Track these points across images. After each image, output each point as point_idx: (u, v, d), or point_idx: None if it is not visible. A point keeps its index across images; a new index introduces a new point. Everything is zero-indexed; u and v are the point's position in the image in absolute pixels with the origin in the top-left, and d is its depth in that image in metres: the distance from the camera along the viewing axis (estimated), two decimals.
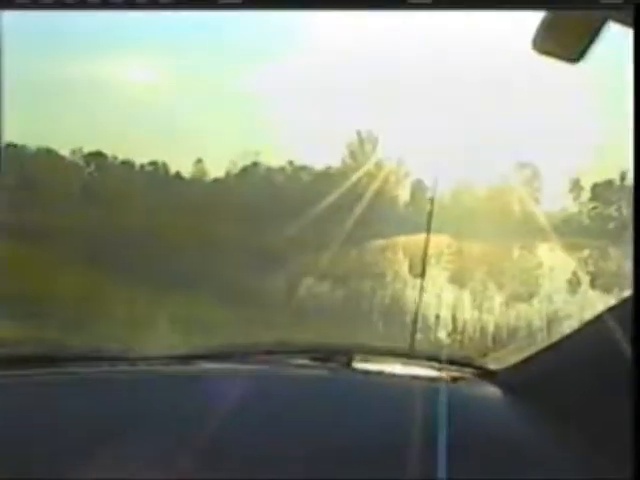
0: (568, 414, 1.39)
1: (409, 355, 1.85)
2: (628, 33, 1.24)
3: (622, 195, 18.88)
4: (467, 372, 1.64)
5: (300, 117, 14.90)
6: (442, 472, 1.35)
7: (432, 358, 1.76)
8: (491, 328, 7.74)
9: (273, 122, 14.43)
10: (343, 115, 15.28)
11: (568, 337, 1.48)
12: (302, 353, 1.70)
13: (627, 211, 18.51)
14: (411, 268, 11.80)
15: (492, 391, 1.53)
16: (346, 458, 1.44)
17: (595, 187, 18.38)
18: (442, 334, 7.40)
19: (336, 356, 1.73)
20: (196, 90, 13.32)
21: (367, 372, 1.74)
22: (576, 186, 17.76)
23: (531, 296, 10.28)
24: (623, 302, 1.36)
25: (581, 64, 1.34)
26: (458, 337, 7.25)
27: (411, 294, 9.40)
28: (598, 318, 1.44)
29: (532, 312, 8.80)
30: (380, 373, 1.74)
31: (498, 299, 9.45)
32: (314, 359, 1.69)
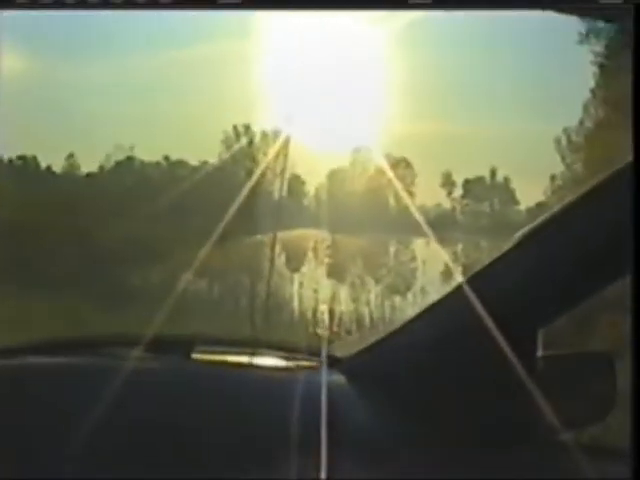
0: (413, 402, 1.40)
1: (255, 344, 1.80)
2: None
3: (493, 192, 19.83)
4: (315, 361, 1.60)
5: (176, 111, 14.76)
6: (294, 461, 1.35)
7: (279, 347, 1.71)
8: (367, 320, 8.06)
9: (148, 116, 14.21)
10: (220, 110, 15.27)
11: (408, 323, 1.51)
12: (136, 344, 1.57)
13: (498, 207, 19.49)
14: (288, 263, 12.07)
15: (337, 378, 1.49)
16: (181, 455, 1.39)
17: (466, 183, 19.24)
18: (320, 327, 7.67)
19: (175, 347, 1.67)
20: (67, 82, 12.94)
21: (208, 363, 1.67)
22: (448, 181, 18.58)
23: (406, 289, 10.71)
24: (457, 289, 1.45)
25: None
26: (335, 329, 7.50)
27: (289, 288, 9.66)
28: (435, 305, 1.49)
29: (406, 304, 9.21)
30: (222, 364, 1.65)
31: (374, 292, 9.79)
32: (151, 351, 1.60)
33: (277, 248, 6.51)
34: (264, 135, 15.17)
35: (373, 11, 1.33)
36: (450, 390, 1.40)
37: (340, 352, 1.62)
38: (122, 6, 1.27)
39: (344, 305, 8.89)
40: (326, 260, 11.61)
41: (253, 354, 1.69)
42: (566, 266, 1.36)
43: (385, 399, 1.42)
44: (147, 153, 15.18)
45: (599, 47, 10.27)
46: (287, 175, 12.54)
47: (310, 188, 18.43)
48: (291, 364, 1.63)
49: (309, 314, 8.44)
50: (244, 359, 1.68)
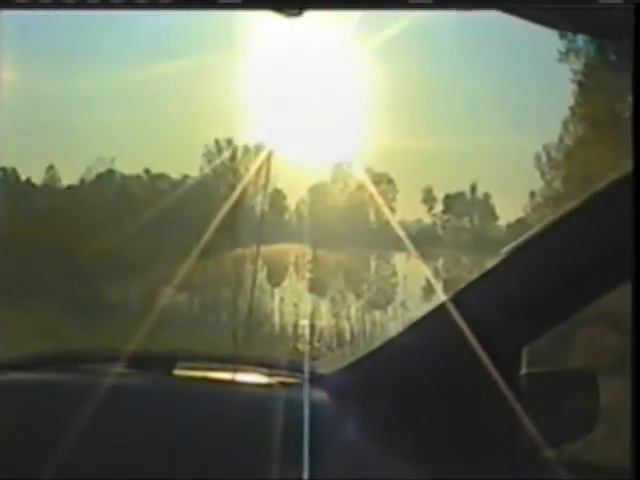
0: (396, 420, 1.38)
1: (236, 360, 1.78)
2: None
3: (473, 207, 19.92)
4: (297, 377, 1.59)
5: (157, 124, 14.74)
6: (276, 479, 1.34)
7: (260, 363, 1.70)
8: (347, 334, 8.05)
9: (129, 129, 14.17)
10: (202, 123, 15.27)
11: (392, 340, 1.49)
12: (117, 360, 1.57)
13: (479, 223, 19.58)
14: (269, 278, 12.05)
15: (320, 396, 1.48)
16: (162, 472, 1.39)
17: (447, 199, 19.34)
18: (300, 342, 7.66)
19: (156, 363, 1.66)
20: (48, 93, 12.88)
21: (189, 380, 1.65)
22: (429, 197, 18.66)
23: (387, 304, 10.72)
24: (441, 306, 1.45)
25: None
26: (316, 344, 7.49)
27: (270, 303, 9.64)
28: (419, 322, 1.47)
29: (387, 319, 9.21)
30: (204, 380, 1.64)
31: (355, 307, 9.79)
32: (132, 367, 1.59)
33: (259, 263, 6.51)
34: (246, 149, 15.21)
35: (373, 11, 1.35)
36: (434, 408, 1.39)
37: (323, 369, 1.61)
38: (122, 6, 1.28)
39: (325, 320, 8.88)
40: (307, 275, 11.61)
41: (235, 370, 1.67)
42: (551, 283, 1.35)
43: (368, 417, 1.41)
44: (128, 166, 15.15)
45: (578, 65, 10.39)
46: (269, 189, 12.59)
47: (291, 203, 18.52)
48: (273, 381, 1.61)
49: (290, 329, 8.43)
50: (226, 375, 1.66)
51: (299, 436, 1.35)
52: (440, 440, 1.37)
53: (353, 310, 9.56)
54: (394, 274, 13.15)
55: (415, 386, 1.41)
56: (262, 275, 10.63)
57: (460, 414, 1.38)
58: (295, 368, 1.63)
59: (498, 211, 17.29)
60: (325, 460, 1.33)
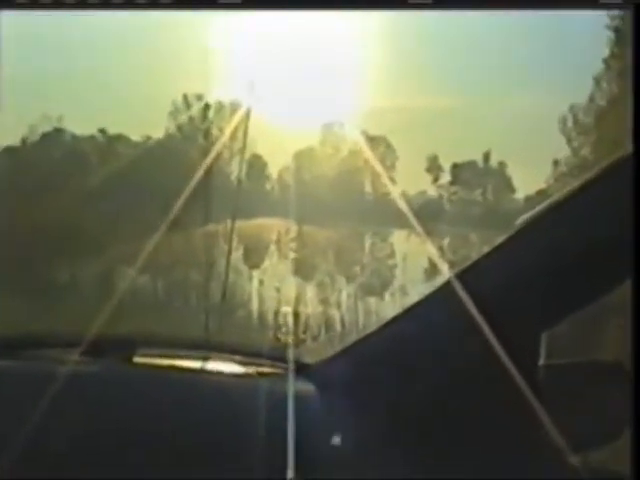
0: (393, 415, 1.39)
1: (207, 347, 1.77)
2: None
3: (486, 178, 19.76)
4: (279, 367, 1.61)
5: (115, 77, 14.59)
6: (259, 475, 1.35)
7: (235, 350, 1.70)
8: (337, 324, 8.09)
9: (82, 82, 14.02)
10: (168, 76, 15.17)
11: (388, 325, 1.51)
12: (73, 347, 1.57)
13: (492, 196, 19.40)
14: (246, 257, 12.04)
15: (305, 387, 1.49)
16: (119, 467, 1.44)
17: (455, 168, 19.23)
18: (282, 332, 7.71)
19: (114, 349, 1.67)
20: None
21: (152, 368, 1.66)
22: (434, 165, 18.59)
23: (383, 288, 10.76)
24: (445, 286, 1.44)
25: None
26: (301, 335, 7.53)
27: (247, 287, 9.65)
28: (419, 303, 1.46)
29: (383, 306, 9.27)
30: (169, 369, 1.64)
31: (346, 292, 9.83)
32: (88, 354, 1.58)
33: (234, 240, 6.50)
34: (220, 106, 15.12)
35: (373, 11, 1.45)
36: (438, 403, 1.38)
37: (308, 357, 1.61)
38: (122, 6, 1.41)
39: (311, 307, 8.92)
40: (291, 255, 11.59)
41: (205, 358, 1.67)
42: (571, 260, 1.33)
43: (361, 411, 1.40)
44: (79, 125, 14.98)
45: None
46: (247, 155, 12.55)
47: (273, 170, 18.40)
48: (250, 370, 1.62)
49: (270, 317, 8.45)
50: (194, 364, 1.66)
51: (282, 433, 1.35)
52: (442, 439, 1.36)
53: (344, 296, 9.61)
54: (392, 254, 13.16)
55: (415, 377, 1.40)
56: (238, 254, 10.63)
57: (467, 410, 1.37)
58: (276, 356, 1.63)
59: (515, 182, 17.29)
60: (312, 460, 1.34)
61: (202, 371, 1.67)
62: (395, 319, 1.55)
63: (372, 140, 14.23)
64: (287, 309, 8.57)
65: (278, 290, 9.30)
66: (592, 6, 1.32)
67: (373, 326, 1.61)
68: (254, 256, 11.61)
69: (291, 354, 1.62)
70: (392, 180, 13.96)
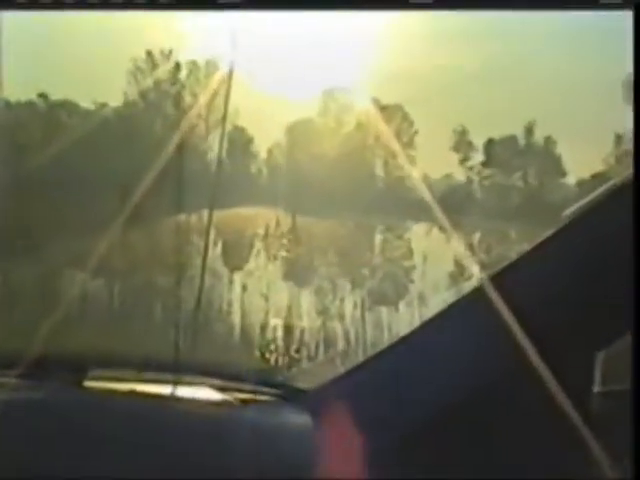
0: (411, 452, 1.39)
1: (177, 368, 1.77)
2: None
3: (528, 157, 19.40)
4: (267, 392, 1.63)
5: (59, 30, 14.58)
6: None
7: (212, 372, 1.74)
8: (340, 341, 8.11)
9: (18, 35, 14.04)
10: (128, 29, 15.16)
11: (404, 341, 1.52)
12: (10, 368, 1.60)
13: (536, 180, 19.06)
14: (226, 257, 11.98)
15: (298, 418, 1.50)
16: None
17: (489, 145, 19.02)
18: (270, 351, 7.73)
19: (61, 371, 1.70)
20: None
21: (108, 393, 1.69)
22: (463, 142, 18.45)
23: (398, 297, 10.75)
24: (475, 293, 1.45)
25: None
26: (293, 354, 7.55)
27: (227, 293, 9.64)
28: (443, 315, 1.49)
29: (398, 319, 9.28)
30: (128, 395, 1.66)
31: (351, 301, 9.85)
32: (29, 376, 1.62)
33: (211, 235, 6.50)
34: (194, 67, 15.10)
35: (373, 11, 1.64)
36: (466, 438, 1.40)
37: (303, 381, 1.64)
38: (122, 6, 1.68)
39: (307, 319, 8.92)
40: (282, 253, 11.57)
41: (175, 383, 1.68)
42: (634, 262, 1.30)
43: (368, 449, 1.43)
44: (14, 89, 14.94)
45: None
46: (228, 128, 12.50)
47: (261, 147, 18.28)
48: (230, 397, 1.63)
49: (255, 331, 8.45)
50: (162, 389, 1.67)
51: (270, 475, 1.37)
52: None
53: (348, 306, 9.63)
54: (409, 254, 13.11)
55: (440, 408, 1.41)
56: (215, 253, 10.62)
57: (506, 445, 1.38)
58: (263, 380, 1.66)
59: (565, 163, 17.17)
60: None
61: (170, 398, 1.67)
62: (412, 334, 1.57)
63: (385, 110, 14.25)
64: (277, 321, 8.58)
65: (266, 298, 9.31)
66: (592, 6, 1.48)
67: (385, 343, 1.62)
68: (236, 255, 11.62)
69: (282, 377, 1.63)
70: (410, 160, 13.99)
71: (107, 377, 1.74)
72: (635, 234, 1.33)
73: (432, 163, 17.06)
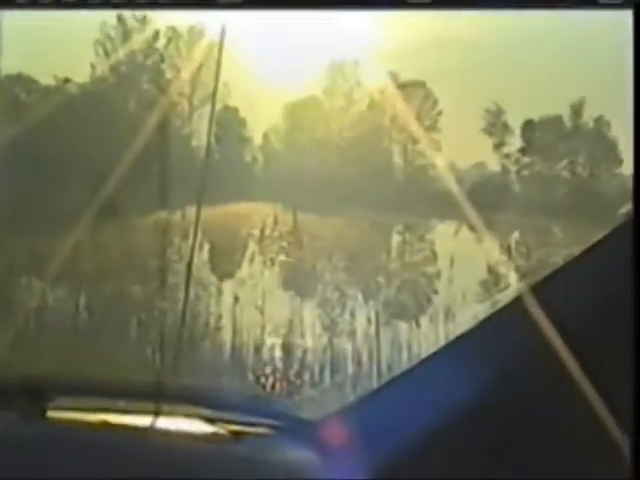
0: None
1: (158, 395, 1.77)
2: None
3: (576, 142, 19.27)
4: (264, 424, 1.63)
5: None
6: None
7: (199, 401, 1.75)
8: (350, 363, 8.14)
9: None
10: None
11: (425, 364, 1.53)
12: None
13: (586, 170, 18.95)
14: (214, 262, 11.94)
15: (301, 454, 1.52)
16: None
17: (528, 127, 18.92)
18: (267, 374, 7.75)
19: (20, 399, 1.70)
20: None
21: (74, 425, 1.69)
22: (497, 123, 18.36)
23: (419, 310, 10.76)
24: (512, 305, 1.45)
25: None
26: (293, 378, 7.58)
27: (215, 306, 9.64)
28: (468, 335, 1.50)
29: (419, 336, 9.29)
30: (100, 427, 1.67)
31: (363, 315, 9.86)
32: None
33: (198, 236, 6.50)
34: (174, 34, 15.07)
35: (373, 11, 1.80)
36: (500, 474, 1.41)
37: (306, 411, 1.66)
38: (122, 6, 2.31)
39: (310, 337, 8.93)
40: (280, 258, 11.55)
41: (155, 413, 1.69)
42: None
43: None
44: None
45: None
46: (217, 107, 12.44)
47: (256, 131, 18.24)
48: (221, 429, 1.64)
49: (249, 352, 8.46)
50: (139, 420, 1.69)
51: None
52: None
53: (360, 320, 9.64)
54: (432, 258, 13.09)
55: (470, 442, 1.43)
56: (202, 258, 10.60)
57: (546, 462, 1.41)
58: (258, 410, 1.68)
59: (622, 149, 17.05)
60: None
61: (150, 431, 1.68)
62: (436, 355, 1.58)
63: (404, 87, 14.25)
64: (275, 340, 8.60)
65: (261, 311, 9.32)
66: (592, 6, 1.72)
67: (403, 365, 1.63)
68: (226, 260, 11.64)
69: (281, 406, 1.64)
70: (434, 146, 13.98)
71: (74, 406, 1.75)
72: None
73: (460, 149, 16.98)
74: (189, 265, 2.65)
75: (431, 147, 13.39)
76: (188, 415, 1.70)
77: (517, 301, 1.44)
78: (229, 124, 15.39)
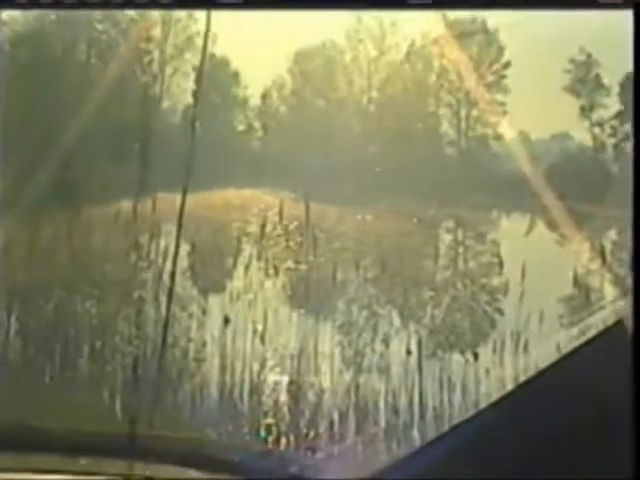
0: None
1: (129, 453, 1.85)
2: None
3: None
4: None
5: None
6: None
7: (186, 460, 1.81)
8: (381, 410, 8.15)
9: None
10: None
11: (483, 415, 1.59)
12: None
13: None
14: (195, 270, 11.89)
15: None
16: None
17: (628, 84, 18.98)
18: (269, 426, 7.79)
19: None
20: None
21: None
22: (586, 79, 18.38)
23: (478, 337, 10.78)
24: (609, 337, 1.50)
25: None
26: (305, 430, 7.61)
27: (199, 331, 9.65)
28: (549, 371, 1.54)
29: (477, 372, 9.33)
30: None
31: (401, 344, 9.92)
32: None
33: (180, 235, 6.54)
34: None
35: (373, 11, 1.92)
36: None
37: (324, 474, 1.72)
38: (122, 6, 2.28)
39: (329, 373, 8.97)
40: (286, 265, 11.53)
41: (127, 476, 1.79)
42: None
43: None
44: None
45: None
46: (206, 57, 12.40)
47: (252, 89, 18.08)
48: None
49: (245, 393, 8.48)
50: None
51: None
52: None
53: (396, 350, 9.69)
54: (496, 266, 13.08)
55: None
56: (180, 264, 10.57)
57: None
58: (259, 472, 1.75)
59: None
60: None
61: None
62: (504, 402, 1.63)
63: (457, 30, 14.26)
64: (279, 377, 8.62)
65: (261, 337, 9.38)
66: (592, 6, 1.86)
67: (456, 414, 1.69)
68: (213, 267, 11.66)
69: (291, 467, 1.71)
70: (498, 111, 13.97)
71: (14, 466, 1.81)
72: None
73: (535, 115, 16.92)
74: (172, 275, 2.72)
75: (494, 112, 13.41)
76: (168, 477, 1.75)
77: (617, 327, 1.48)
78: (216, 80, 15.39)
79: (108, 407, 6.28)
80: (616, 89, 17.46)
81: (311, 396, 8.30)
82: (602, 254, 10.54)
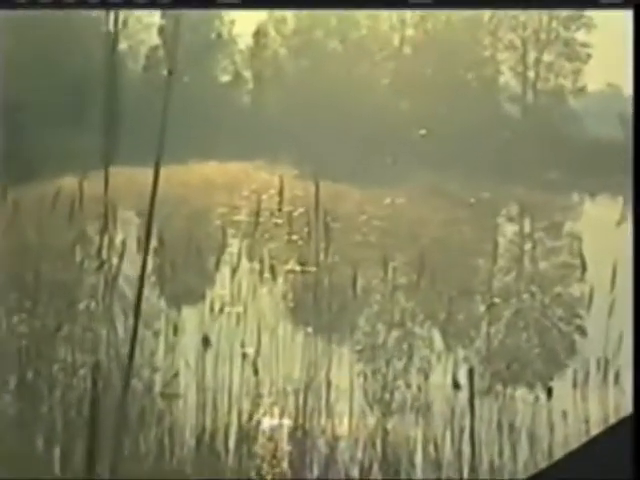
0: None
1: None
2: None
3: None
4: None
5: None
6: None
7: None
8: (420, 465, 8.08)
9: None
10: None
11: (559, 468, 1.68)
12: None
13: None
14: (164, 275, 11.84)
15: None
16: None
17: None
18: None
19: None
20: None
21: None
22: None
23: (551, 365, 10.76)
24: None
25: None
26: None
27: (164, 359, 9.62)
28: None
29: (549, 413, 9.29)
30: None
31: (445, 374, 9.90)
32: None
33: (152, 226, 6.45)
34: None
35: (373, 10, 2.03)
36: None
37: None
38: (122, 6, 2.10)
39: (346, 414, 8.93)
40: (288, 265, 11.53)
41: None
42: None
43: None
44: None
45: None
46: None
47: (242, 27, 18.15)
48: None
49: (231, 440, 8.43)
50: None
51: None
52: None
53: (439, 384, 9.68)
54: (576, 267, 13.06)
55: None
56: (153, 264, 10.49)
57: None
58: None
59: None
60: None
61: None
62: (586, 450, 1.71)
63: None
64: (278, 421, 8.59)
65: (254, 365, 9.36)
66: (592, 6, 3.43)
67: (520, 470, 1.75)
68: (188, 269, 11.66)
69: None
70: (580, 52, 14.07)
71: None
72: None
73: (629, 62, 17.13)
74: (141, 278, 2.64)
75: (574, 56, 13.56)
76: None
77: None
78: (190, 12, 15.52)
79: (43, 458, 6.24)
80: None
81: (322, 446, 8.22)
82: None
